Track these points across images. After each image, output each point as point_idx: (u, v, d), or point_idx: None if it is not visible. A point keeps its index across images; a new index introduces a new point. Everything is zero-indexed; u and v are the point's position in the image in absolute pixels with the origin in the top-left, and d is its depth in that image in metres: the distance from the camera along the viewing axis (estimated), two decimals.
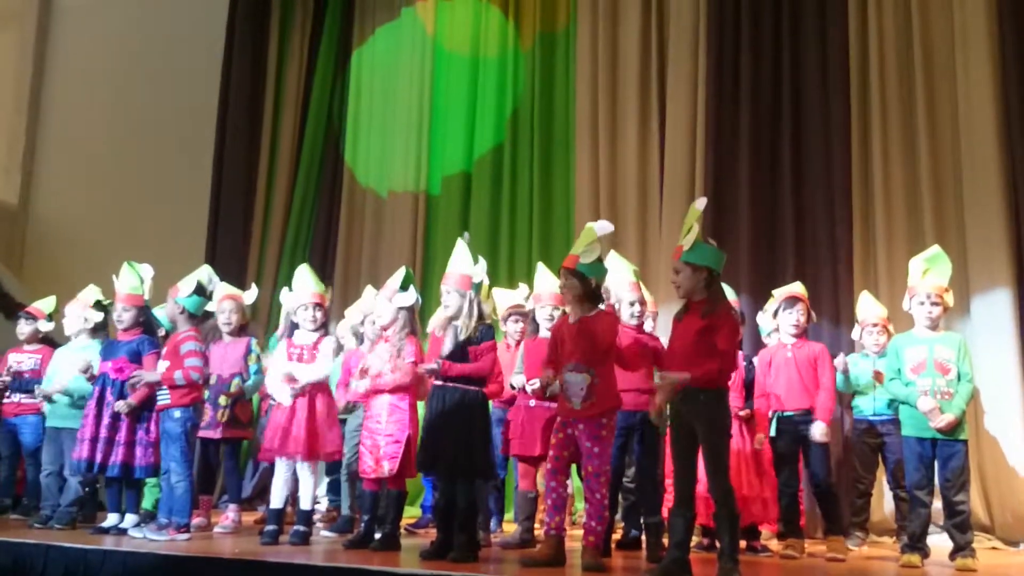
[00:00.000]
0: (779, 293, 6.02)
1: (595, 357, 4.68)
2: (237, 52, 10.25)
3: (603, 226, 4.83)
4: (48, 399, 6.40)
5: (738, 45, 8.13)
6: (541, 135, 8.96)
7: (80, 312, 6.53)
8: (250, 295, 6.84)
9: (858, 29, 7.66)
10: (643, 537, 5.45)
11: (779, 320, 5.86)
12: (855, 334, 6.49)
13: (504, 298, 6.35)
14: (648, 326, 5.84)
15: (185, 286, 5.72)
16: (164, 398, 5.55)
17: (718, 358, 4.31)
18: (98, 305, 6.47)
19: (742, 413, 5.71)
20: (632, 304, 5.45)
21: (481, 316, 5.11)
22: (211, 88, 10.19)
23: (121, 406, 5.70)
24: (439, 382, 5.03)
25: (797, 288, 5.98)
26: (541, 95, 9.01)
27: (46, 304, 7.08)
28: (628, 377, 5.12)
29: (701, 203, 4.57)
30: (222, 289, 6.53)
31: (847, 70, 7.65)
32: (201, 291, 5.76)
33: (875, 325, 6.23)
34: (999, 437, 6.65)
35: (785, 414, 5.61)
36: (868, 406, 6.16)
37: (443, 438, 4.94)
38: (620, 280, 5.52)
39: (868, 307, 6.35)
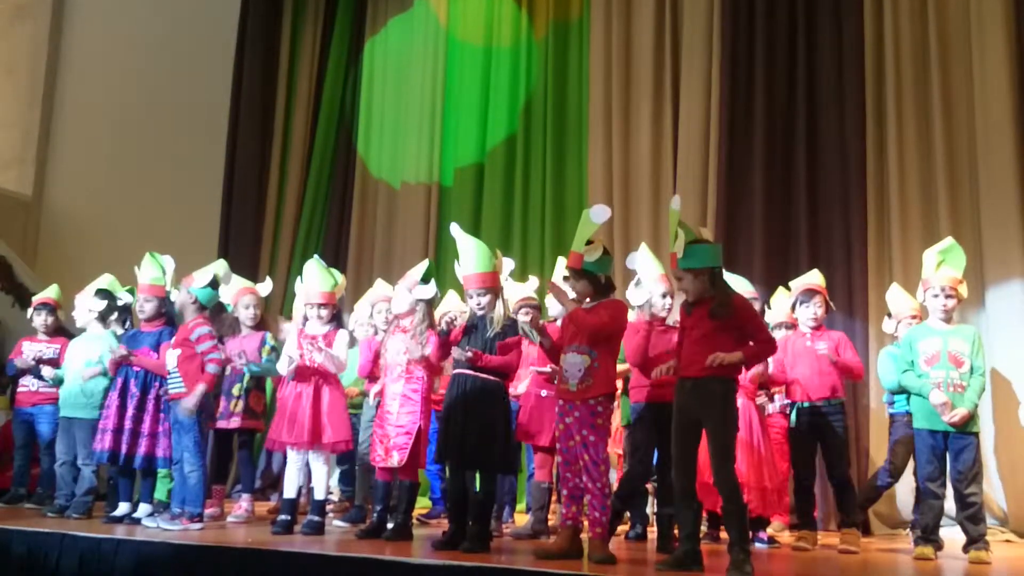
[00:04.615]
0: (796, 285, 5.99)
1: (599, 339, 4.65)
2: (249, 44, 10.26)
3: (600, 212, 4.74)
4: (59, 384, 6.44)
5: (752, 35, 8.09)
6: (554, 126, 8.94)
7: (85, 302, 6.55)
8: (264, 287, 6.87)
9: (873, 19, 7.62)
10: (651, 528, 5.45)
11: (797, 313, 5.85)
12: (889, 327, 6.41)
13: (514, 291, 6.35)
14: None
15: (201, 277, 5.73)
16: (177, 387, 5.57)
17: (758, 344, 4.39)
18: (101, 293, 6.48)
19: (759, 400, 5.68)
20: (664, 296, 5.46)
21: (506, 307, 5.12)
22: (224, 80, 10.20)
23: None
24: (461, 370, 5.02)
25: (813, 279, 5.94)
26: (554, 86, 8.99)
27: (55, 293, 7.12)
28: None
29: (676, 203, 4.54)
30: (237, 283, 6.54)
31: (862, 61, 7.61)
32: (216, 285, 5.79)
33: (913, 317, 6.11)
34: (1013, 429, 6.62)
35: (804, 404, 5.59)
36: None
37: (463, 427, 4.91)
38: (650, 274, 5.54)
39: (902, 299, 6.24)
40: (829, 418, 5.54)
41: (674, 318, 5.61)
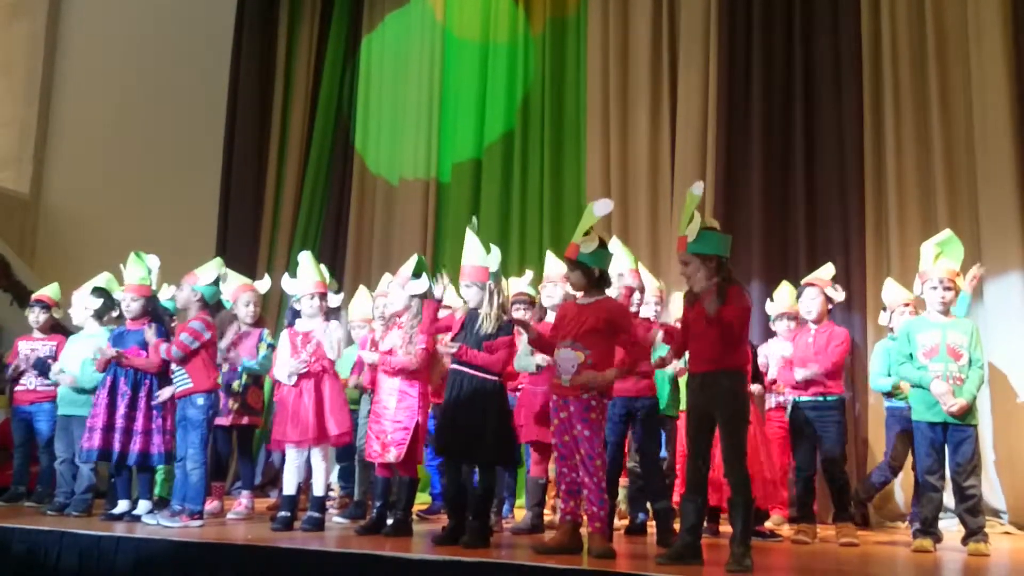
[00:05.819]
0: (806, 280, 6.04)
1: (595, 338, 4.64)
2: (247, 41, 10.25)
3: (603, 206, 4.77)
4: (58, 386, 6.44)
5: (750, 30, 8.08)
6: (552, 121, 8.93)
7: (82, 300, 6.56)
8: (263, 285, 6.88)
9: (871, 12, 7.60)
10: (650, 522, 5.44)
11: (799, 305, 5.93)
12: (883, 320, 6.43)
13: (509, 286, 6.35)
14: (652, 311, 5.85)
15: (204, 275, 5.76)
16: (185, 383, 5.57)
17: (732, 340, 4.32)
18: (97, 291, 6.48)
19: (753, 388, 5.69)
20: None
21: (502, 308, 5.12)
22: (221, 77, 10.20)
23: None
24: (456, 366, 5.04)
25: (818, 272, 6.00)
26: (552, 81, 8.98)
27: (52, 291, 7.12)
28: None
29: (698, 188, 4.51)
30: (236, 280, 6.55)
31: (860, 54, 7.60)
32: (218, 282, 5.81)
33: (907, 306, 6.11)
34: (1011, 422, 6.62)
35: (801, 398, 5.60)
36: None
37: (460, 423, 4.95)
38: (619, 267, 5.53)
39: (895, 290, 6.28)
40: (823, 413, 5.53)
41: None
